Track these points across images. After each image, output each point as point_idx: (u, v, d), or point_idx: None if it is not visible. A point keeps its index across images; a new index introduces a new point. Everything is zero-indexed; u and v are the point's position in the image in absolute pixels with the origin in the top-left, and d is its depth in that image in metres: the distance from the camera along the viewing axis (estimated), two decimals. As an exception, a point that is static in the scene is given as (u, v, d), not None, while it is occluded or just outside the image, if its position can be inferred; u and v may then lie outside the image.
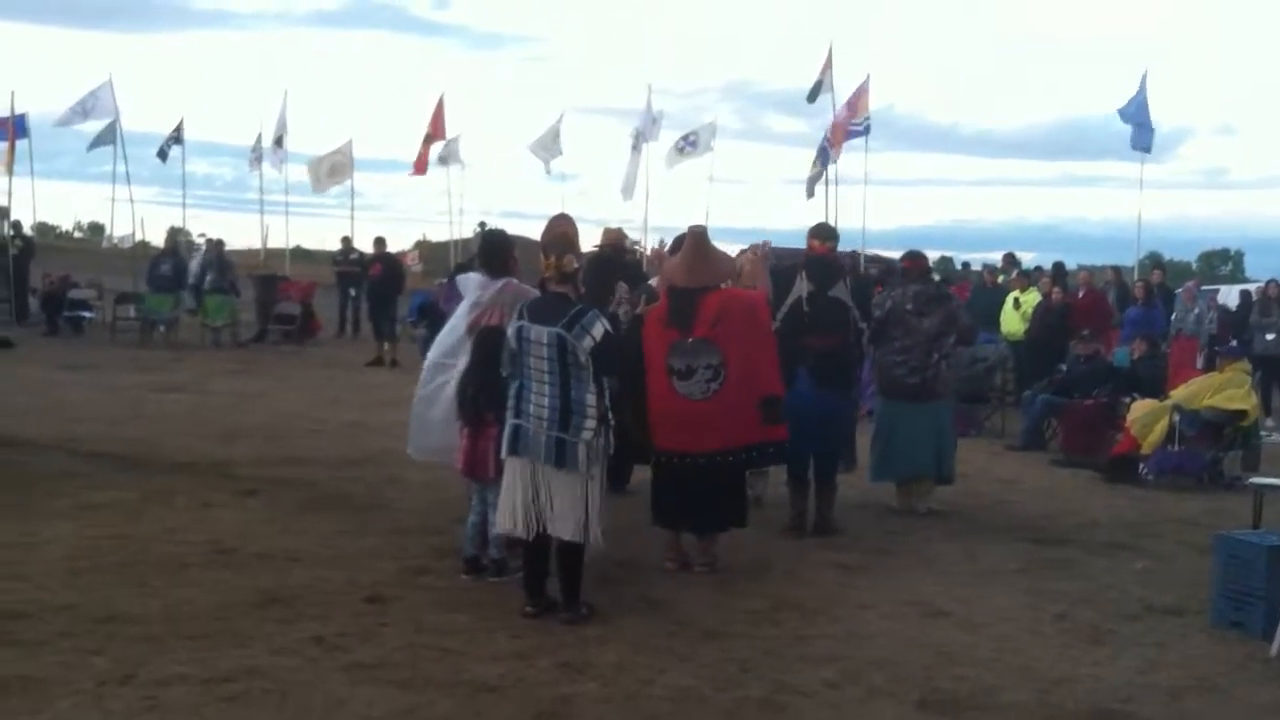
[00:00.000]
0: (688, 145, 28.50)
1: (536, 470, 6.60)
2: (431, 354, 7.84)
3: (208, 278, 23.36)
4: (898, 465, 9.92)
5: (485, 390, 7.11)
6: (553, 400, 6.54)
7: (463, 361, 7.45)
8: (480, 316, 7.49)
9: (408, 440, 8.03)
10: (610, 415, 6.71)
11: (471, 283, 7.81)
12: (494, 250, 7.84)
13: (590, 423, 6.56)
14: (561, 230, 7.59)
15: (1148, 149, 22.73)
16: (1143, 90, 22.10)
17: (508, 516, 6.70)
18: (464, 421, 7.27)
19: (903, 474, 9.96)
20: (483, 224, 29.41)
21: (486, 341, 7.20)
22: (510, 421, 6.70)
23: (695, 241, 7.87)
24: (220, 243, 25.30)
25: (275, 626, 6.18)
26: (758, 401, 7.65)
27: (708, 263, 7.88)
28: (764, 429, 7.69)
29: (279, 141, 31.60)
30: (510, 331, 6.76)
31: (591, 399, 6.58)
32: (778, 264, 9.35)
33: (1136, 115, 22.27)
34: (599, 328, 6.57)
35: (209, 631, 6.04)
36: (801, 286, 8.92)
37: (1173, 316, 18.71)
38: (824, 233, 9.49)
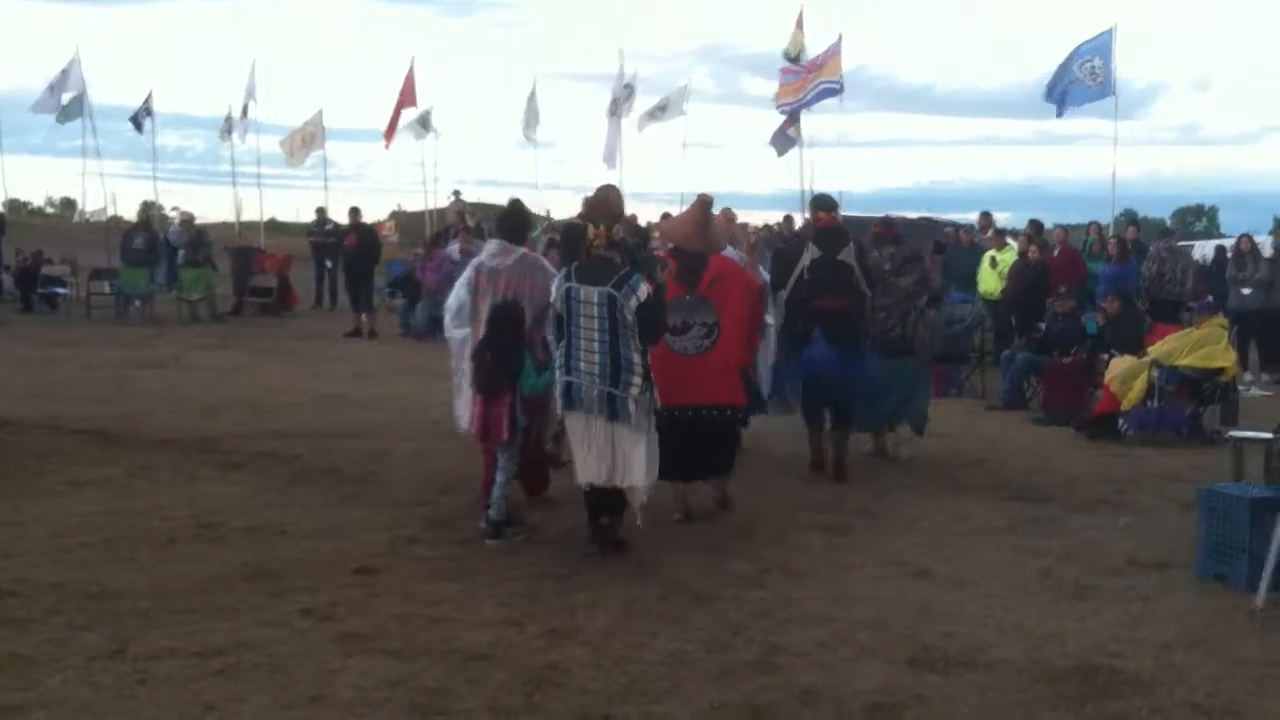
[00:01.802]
0: (659, 110, 28.51)
1: (592, 425, 7.09)
2: (451, 329, 8.31)
3: (180, 253, 23.25)
4: (878, 414, 10.36)
5: (502, 360, 7.47)
6: (602, 357, 7.01)
7: (468, 327, 7.98)
8: (489, 281, 7.96)
9: (457, 412, 8.42)
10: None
11: (488, 248, 8.29)
12: (514, 220, 8.51)
13: (637, 379, 7.04)
14: (608, 200, 7.86)
15: (1059, 111, 22.01)
16: (1101, 45, 21.46)
17: (588, 470, 7.18)
18: (478, 388, 7.57)
19: (880, 424, 10.54)
20: (456, 192, 29.20)
21: (505, 313, 7.62)
22: (561, 379, 7.18)
23: (703, 208, 8.46)
24: (190, 217, 25.16)
25: (264, 599, 6.19)
26: (738, 366, 8.24)
27: (711, 229, 8.53)
28: (736, 392, 8.25)
29: (245, 111, 31.35)
30: (557, 294, 7.21)
31: (637, 356, 7.06)
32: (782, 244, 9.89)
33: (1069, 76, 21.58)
34: (644, 289, 7.02)
35: (198, 605, 6.05)
36: (808, 254, 9.55)
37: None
38: (827, 204, 10.20)
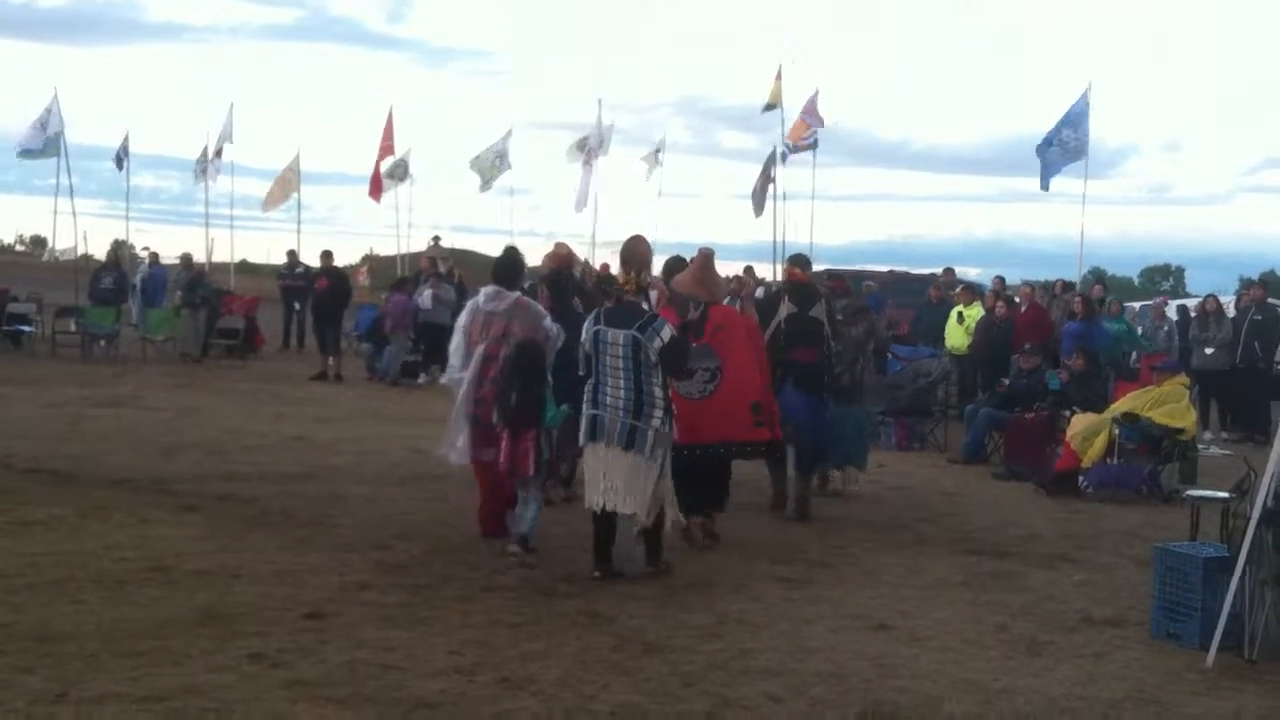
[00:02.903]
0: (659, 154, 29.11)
1: (608, 454, 7.68)
2: (454, 374, 8.76)
3: (179, 294, 23.18)
4: (834, 456, 10.89)
5: (527, 397, 8.00)
6: (627, 392, 7.66)
7: (471, 369, 8.48)
8: (488, 327, 8.52)
9: (447, 447, 8.73)
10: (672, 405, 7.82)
11: (484, 292, 8.76)
12: (510, 267, 9.02)
13: (659, 412, 7.70)
14: (638, 250, 8.51)
15: (1045, 185, 22.00)
16: (1078, 111, 21.57)
17: (603, 496, 7.72)
18: (504, 425, 8.04)
19: (829, 464, 10.99)
20: (436, 238, 29.17)
21: (525, 354, 8.15)
22: (588, 412, 7.80)
23: (705, 261, 9.22)
24: (189, 256, 25.17)
25: (213, 643, 6.10)
26: (749, 405, 8.80)
27: (715, 280, 9.39)
28: (750, 429, 8.83)
29: (220, 153, 31.25)
30: (586, 335, 7.84)
31: (659, 391, 7.72)
32: (764, 293, 11.36)
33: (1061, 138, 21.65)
34: (667, 331, 7.72)
35: (145, 649, 5.96)
36: (784, 309, 10.20)
37: (1139, 332, 18.80)
38: (801, 262, 11.04)
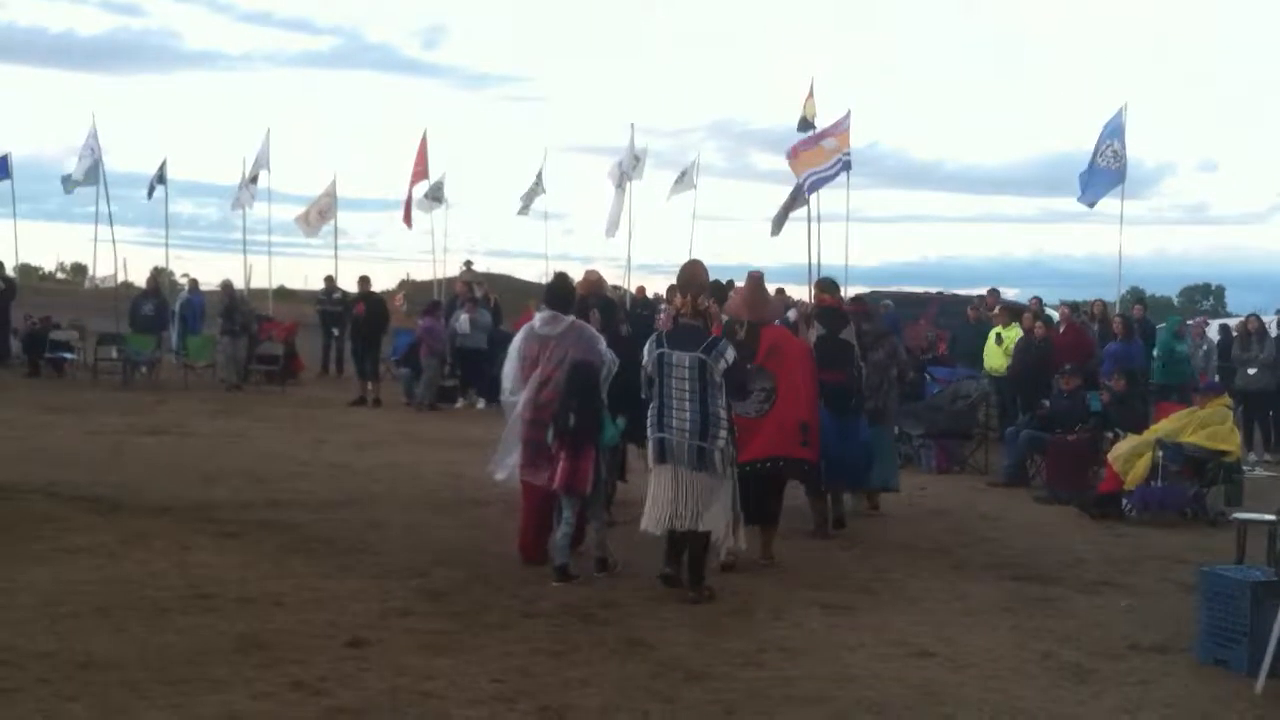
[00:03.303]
0: (686, 179, 28.90)
1: (679, 475, 7.88)
2: (507, 396, 8.97)
3: (219, 321, 23.33)
4: (866, 476, 11.01)
5: (583, 418, 8.22)
6: (693, 414, 7.85)
7: (524, 391, 8.70)
8: (544, 350, 8.67)
9: (495, 464, 9.03)
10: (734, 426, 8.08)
11: (539, 317, 8.94)
12: (563, 292, 9.14)
13: (723, 432, 7.90)
14: (695, 274, 8.59)
15: (1092, 203, 21.59)
16: (1114, 126, 21.40)
17: (653, 520, 7.98)
18: (562, 444, 8.23)
19: (857, 484, 11.04)
20: (468, 262, 29.24)
21: (581, 374, 8.38)
22: (654, 435, 8.01)
23: (755, 284, 9.62)
24: (229, 283, 25.37)
25: (254, 671, 6.11)
26: (799, 424, 9.08)
27: (766, 301, 9.81)
28: (800, 448, 9.11)
29: (255, 179, 31.37)
30: (649, 358, 8.06)
31: (724, 412, 7.92)
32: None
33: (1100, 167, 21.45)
34: (731, 353, 7.95)
35: (188, 676, 5.98)
36: (814, 332, 10.47)
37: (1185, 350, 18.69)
38: (830, 286, 11.38)
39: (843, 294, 12.10)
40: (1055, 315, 20.07)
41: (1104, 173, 21.18)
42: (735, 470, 8.10)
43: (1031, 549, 10.17)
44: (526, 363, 8.79)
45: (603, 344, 8.83)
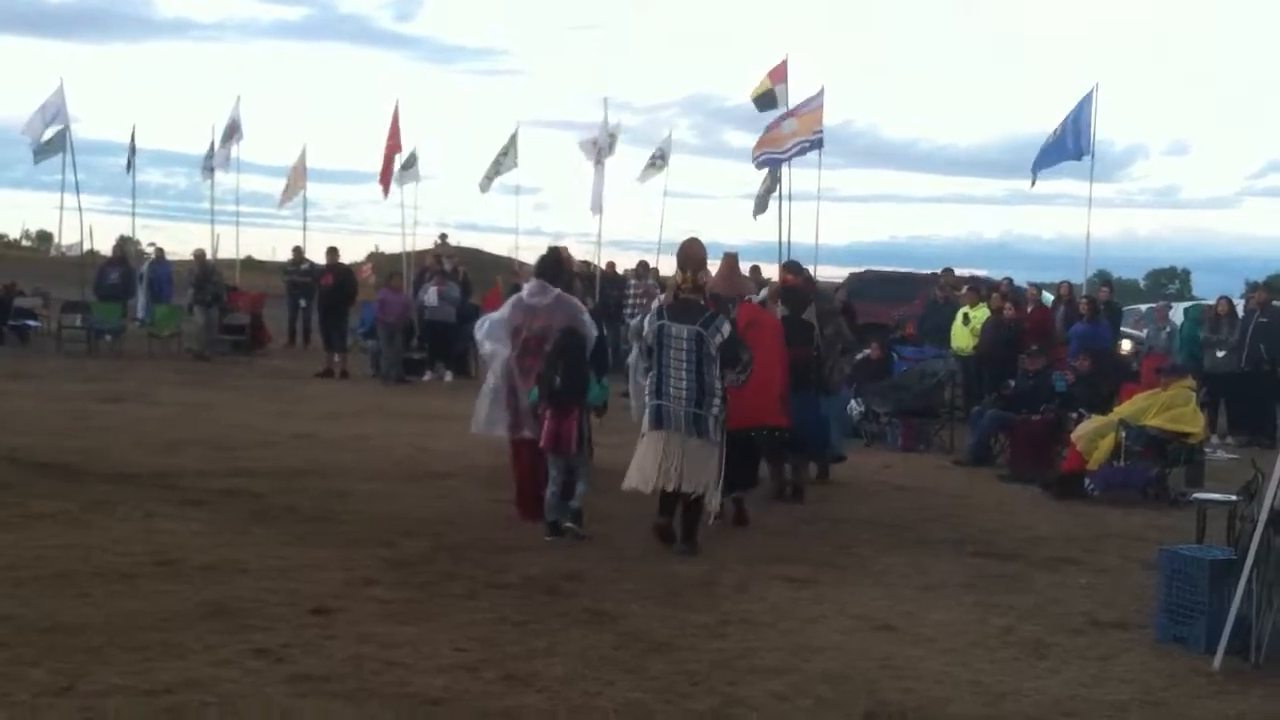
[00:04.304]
0: (660, 160, 28.57)
1: (672, 440, 8.37)
2: (489, 346, 9.43)
3: (190, 291, 23.17)
4: (820, 447, 11.58)
5: (571, 380, 8.60)
6: (690, 383, 8.38)
7: (500, 345, 9.26)
8: (530, 319, 9.16)
9: (474, 421, 9.46)
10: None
11: (528, 287, 9.50)
12: (554, 265, 9.67)
13: (717, 400, 8.43)
14: (694, 252, 8.99)
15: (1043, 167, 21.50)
16: (1083, 107, 21.43)
17: (637, 477, 8.45)
18: (548, 405, 8.62)
19: (817, 454, 11.68)
20: (443, 235, 29.09)
21: (571, 340, 8.80)
22: (652, 402, 8.52)
23: (730, 263, 10.40)
24: (201, 253, 25.15)
25: (218, 638, 6.10)
26: (777, 395, 9.71)
27: (741, 280, 10.49)
28: (778, 415, 9.72)
29: (224, 142, 30.96)
30: (649, 330, 8.61)
31: (718, 383, 8.45)
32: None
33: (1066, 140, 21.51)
34: (727, 327, 8.51)
35: (150, 643, 5.96)
36: (778, 311, 11.01)
37: (1145, 334, 18.90)
38: (794, 268, 12.19)
39: (810, 274, 12.90)
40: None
41: (1054, 148, 21.21)
42: (724, 436, 8.54)
43: (994, 526, 10.24)
44: (512, 329, 9.25)
45: (586, 315, 9.36)
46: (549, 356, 8.80)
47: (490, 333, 9.43)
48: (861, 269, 26.75)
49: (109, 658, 5.72)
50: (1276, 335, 17.23)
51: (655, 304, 10.28)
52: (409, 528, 8.85)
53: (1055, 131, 21.19)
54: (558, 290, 9.33)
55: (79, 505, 8.94)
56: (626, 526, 8.89)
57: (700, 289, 8.75)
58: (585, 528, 8.70)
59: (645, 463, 8.47)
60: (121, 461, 10.94)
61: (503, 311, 9.55)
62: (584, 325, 9.09)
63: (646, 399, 8.63)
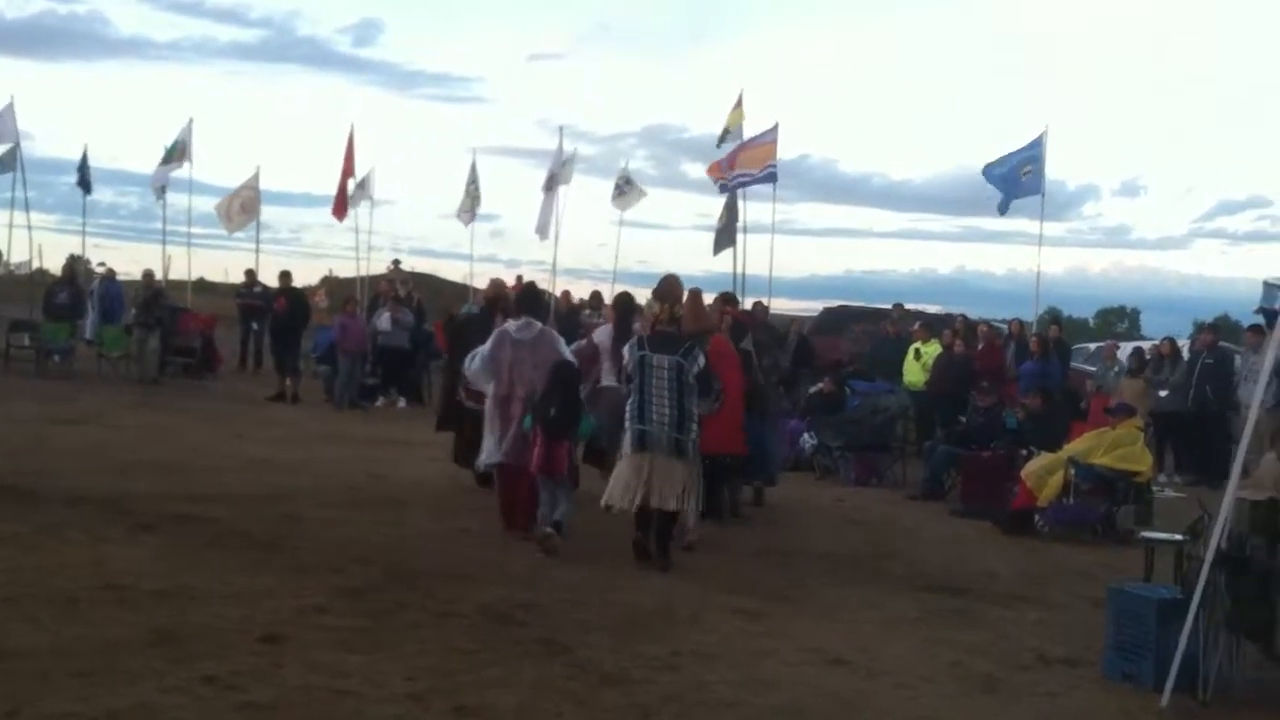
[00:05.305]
0: (628, 186, 28.64)
1: (655, 461, 8.91)
2: (478, 376, 10.03)
3: (132, 313, 22.91)
4: (758, 470, 12.11)
5: (565, 410, 9.21)
6: (671, 409, 8.98)
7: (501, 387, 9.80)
8: (518, 352, 9.72)
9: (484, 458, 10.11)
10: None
11: (514, 323, 9.96)
12: (536, 300, 10.68)
13: (695, 425, 9.09)
14: (672, 288, 9.65)
15: (1003, 209, 21.90)
16: (1034, 148, 21.76)
17: (620, 495, 8.97)
18: (542, 432, 9.18)
19: (756, 477, 12.25)
20: (397, 261, 28.92)
21: (565, 373, 9.41)
22: (635, 427, 9.02)
23: (695, 298, 10.78)
24: (150, 273, 24.84)
25: (166, 665, 6.04)
26: (738, 422, 10.58)
27: (706, 313, 11.08)
28: (741, 444, 10.76)
29: (165, 162, 30.46)
30: (632, 359, 9.15)
31: (695, 409, 9.08)
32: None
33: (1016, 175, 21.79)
34: (703, 359, 9.14)
35: (98, 668, 5.90)
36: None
37: (1094, 370, 19.03)
38: (732, 299, 13.15)
39: (740, 305, 14.23)
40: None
41: (1018, 183, 21.50)
42: (699, 458, 9.17)
43: (946, 562, 10.31)
44: (498, 365, 9.80)
45: (566, 350, 10.00)
46: (545, 387, 9.34)
47: (481, 370, 9.94)
48: (836, 304, 26.83)
49: (56, 683, 5.65)
50: (1223, 376, 17.44)
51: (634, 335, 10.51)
52: (362, 554, 8.80)
53: (1017, 169, 21.46)
54: (540, 325, 9.99)
55: (30, 528, 8.82)
56: (580, 557, 8.91)
57: (677, 321, 9.39)
58: (563, 538, 9.14)
59: (626, 481, 8.98)
60: (74, 485, 10.80)
61: (488, 345, 9.95)
62: (564, 356, 9.74)
63: (628, 423, 9.07)
